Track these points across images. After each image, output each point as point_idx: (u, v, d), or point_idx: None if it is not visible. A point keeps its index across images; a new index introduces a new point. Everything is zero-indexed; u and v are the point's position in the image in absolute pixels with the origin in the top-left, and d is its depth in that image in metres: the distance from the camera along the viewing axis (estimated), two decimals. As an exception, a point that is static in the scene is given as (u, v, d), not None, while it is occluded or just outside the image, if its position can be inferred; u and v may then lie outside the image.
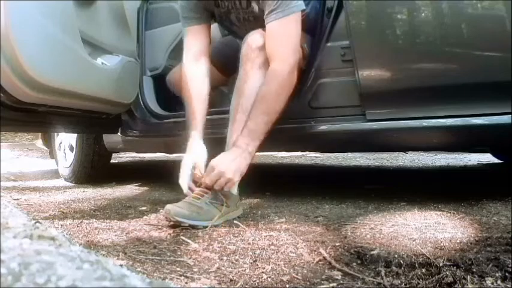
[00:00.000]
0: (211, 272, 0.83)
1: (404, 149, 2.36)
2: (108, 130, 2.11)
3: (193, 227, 1.18)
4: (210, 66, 1.56)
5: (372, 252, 0.91)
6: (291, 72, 1.33)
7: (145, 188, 2.17)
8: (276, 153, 4.25)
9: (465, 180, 2.29)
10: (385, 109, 1.38)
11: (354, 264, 0.88)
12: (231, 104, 1.42)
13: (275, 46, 1.34)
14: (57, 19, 1.38)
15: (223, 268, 0.86)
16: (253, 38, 1.36)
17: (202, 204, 1.23)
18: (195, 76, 1.50)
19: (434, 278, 0.76)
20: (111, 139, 2.25)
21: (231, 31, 1.66)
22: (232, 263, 0.89)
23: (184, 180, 1.35)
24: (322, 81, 1.46)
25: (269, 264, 0.87)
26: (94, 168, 2.38)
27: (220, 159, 1.29)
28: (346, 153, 3.86)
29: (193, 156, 1.38)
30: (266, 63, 1.35)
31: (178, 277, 0.80)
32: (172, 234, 1.13)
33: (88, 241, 1.06)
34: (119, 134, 2.10)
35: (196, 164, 1.36)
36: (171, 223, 1.20)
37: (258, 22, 1.40)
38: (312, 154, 4.15)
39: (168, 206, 1.20)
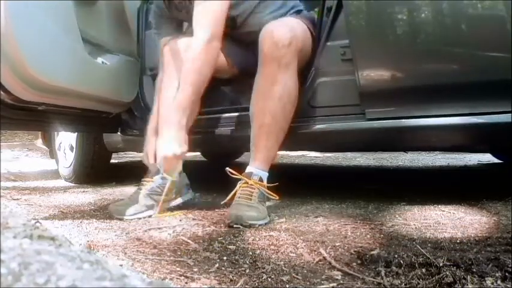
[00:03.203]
0: (211, 272, 0.83)
1: (404, 148, 2.36)
2: (108, 129, 2.11)
3: (251, 226, 1.18)
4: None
5: (372, 252, 0.91)
6: (207, 43, 1.37)
7: (145, 187, 2.16)
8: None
9: (465, 180, 2.29)
10: (385, 108, 1.38)
11: (354, 264, 0.88)
12: (251, 104, 1.39)
13: (196, 19, 1.40)
14: (57, 18, 1.38)
15: (223, 268, 0.86)
16: (279, 34, 1.29)
17: (257, 204, 1.26)
18: None
19: (434, 278, 0.75)
20: (111, 139, 2.24)
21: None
22: (232, 263, 0.89)
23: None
24: (322, 80, 1.46)
25: (269, 264, 0.87)
26: (94, 168, 2.37)
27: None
28: (346, 153, 3.86)
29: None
30: (294, 61, 1.33)
31: (178, 277, 0.80)
32: (172, 234, 1.13)
33: (88, 241, 1.06)
34: (118, 133, 2.10)
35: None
36: (233, 225, 1.19)
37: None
38: (312, 154, 4.15)
39: (236, 212, 1.20)
